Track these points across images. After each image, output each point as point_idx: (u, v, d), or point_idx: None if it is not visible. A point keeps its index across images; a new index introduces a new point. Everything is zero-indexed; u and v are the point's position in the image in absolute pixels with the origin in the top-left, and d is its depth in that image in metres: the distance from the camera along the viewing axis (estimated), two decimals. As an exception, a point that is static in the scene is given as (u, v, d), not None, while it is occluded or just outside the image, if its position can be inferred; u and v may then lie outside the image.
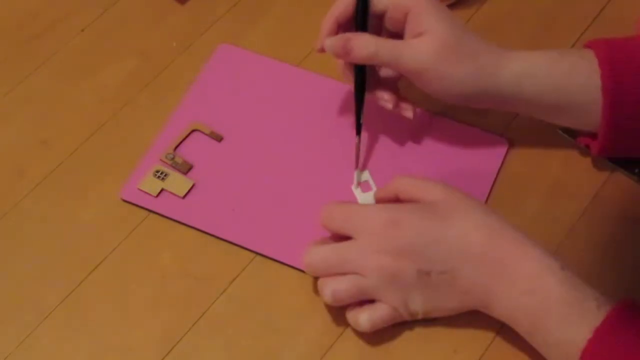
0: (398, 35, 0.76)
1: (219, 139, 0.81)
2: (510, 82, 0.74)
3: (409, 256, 0.68)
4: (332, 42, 0.74)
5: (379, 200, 0.75)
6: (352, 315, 0.70)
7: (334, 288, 0.69)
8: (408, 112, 0.78)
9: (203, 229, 0.76)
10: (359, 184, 0.78)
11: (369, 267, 0.68)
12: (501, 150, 0.81)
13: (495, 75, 0.73)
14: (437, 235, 0.68)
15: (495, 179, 0.79)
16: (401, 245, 0.68)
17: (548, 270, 0.65)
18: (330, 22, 0.75)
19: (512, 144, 0.81)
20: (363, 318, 0.69)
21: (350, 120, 0.81)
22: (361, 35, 0.74)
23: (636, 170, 0.79)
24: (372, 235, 0.69)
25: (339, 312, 0.72)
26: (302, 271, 0.74)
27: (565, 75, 0.74)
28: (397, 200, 0.73)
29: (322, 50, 0.76)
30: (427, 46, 0.73)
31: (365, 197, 0.77)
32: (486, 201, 0.78)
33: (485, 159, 0.80)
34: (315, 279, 0.72)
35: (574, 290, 0.64)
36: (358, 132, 0.78)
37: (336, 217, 0.71)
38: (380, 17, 0.76)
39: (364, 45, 0.73)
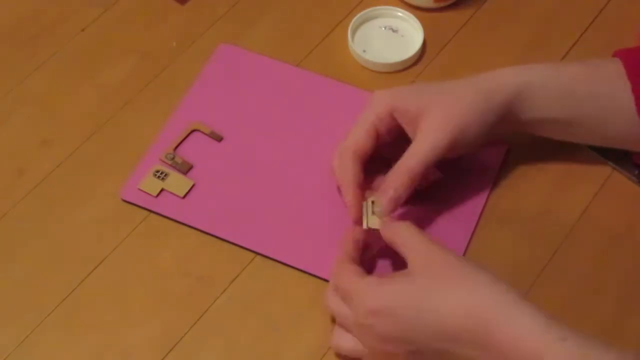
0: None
1: (219, 139, 0.81)
2: None
3: (393, 342, 0.65)
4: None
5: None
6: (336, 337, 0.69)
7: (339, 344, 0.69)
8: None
9: (203, 229, 0.76)
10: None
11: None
12: (501, 150, 0.81)
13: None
14: (413, 321, 0.64)
15: (496, 178, 0.79)
16: (383, 334, 0.65)
17: (546, 348, 0.59)
18: (352, 160, 0.75)
19: (512, 144, 0.81)
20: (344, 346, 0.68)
21: (349, 119, 0.81)
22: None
23: (636, 172, 0.79)
24: (356, 326, 0.66)
25: (339, 312, 0.72)
26: (302, 271, 0.74)
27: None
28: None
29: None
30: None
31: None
32: (486, 202, 0.78)
33: (485, 159, 0.80)
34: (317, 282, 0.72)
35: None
36: None
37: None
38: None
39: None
